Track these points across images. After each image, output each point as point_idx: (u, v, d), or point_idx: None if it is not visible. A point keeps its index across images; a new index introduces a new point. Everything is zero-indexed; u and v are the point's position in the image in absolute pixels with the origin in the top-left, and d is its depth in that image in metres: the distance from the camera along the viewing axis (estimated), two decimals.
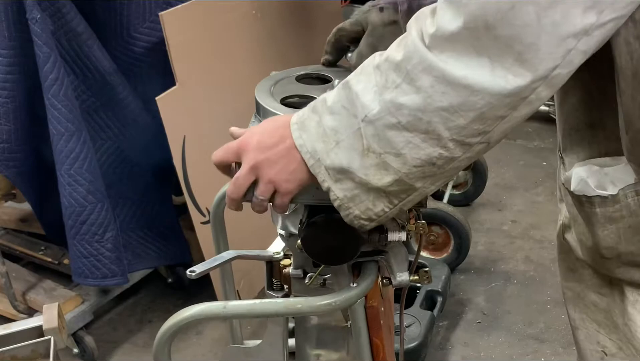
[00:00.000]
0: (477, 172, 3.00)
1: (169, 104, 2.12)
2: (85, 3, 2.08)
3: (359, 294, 1.04)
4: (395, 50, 0.86)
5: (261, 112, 1.14)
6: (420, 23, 0.83)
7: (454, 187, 3.01)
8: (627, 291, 1.01)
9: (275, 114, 1.09)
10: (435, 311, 2.24)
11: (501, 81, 0.79)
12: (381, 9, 1.17)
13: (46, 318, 1.53)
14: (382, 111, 0.85)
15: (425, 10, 0.84)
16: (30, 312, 2.31)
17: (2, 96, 2.03)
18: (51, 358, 1.47)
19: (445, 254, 2.62)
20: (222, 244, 1.40)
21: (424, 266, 1.11)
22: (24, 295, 2.35)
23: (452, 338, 2.39)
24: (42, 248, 2.57)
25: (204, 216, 2.25)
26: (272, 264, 1.21)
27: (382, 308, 1.16)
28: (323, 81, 1.22)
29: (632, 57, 0.86)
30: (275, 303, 1.06)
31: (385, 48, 1.03)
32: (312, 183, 0.95)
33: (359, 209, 0.92)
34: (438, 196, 2.85)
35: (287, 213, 1.05)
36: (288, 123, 0.94)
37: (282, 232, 1.16)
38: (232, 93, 2.26)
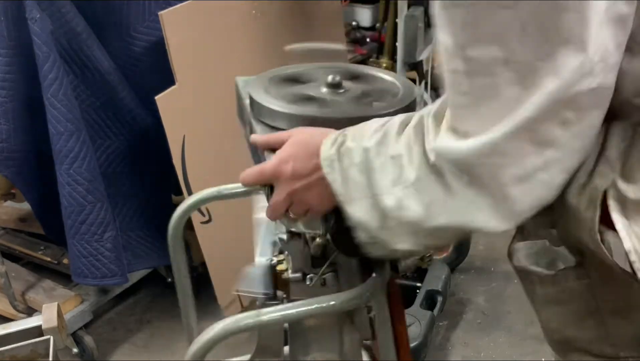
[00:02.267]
0: None
1: (168, 104, 2.11)
2: (85, 3, 2.07)
3: (382, 281, 1.07)
4: (407, 155, 0.86)
5: (255, 108, 1.14)
6: (420, 139, 0.84)
7: None
8: None
9: (268, 109, 1.10)
10: (435, 311, 2.24)
11: (496, 225, 0.80)
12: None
13: (45, 317, 1.53)
14: (395, 204, 0.87)
15: (422, 123, 0.85)
16: (30, 312, 2.31)
17: (2, 96, 2.03)
18: (50, 358, 1.47)
19: (445, 254, 2.62)
20: (180, 262, 1.40)
21: None
22: (23, 295, 2.35)
23: (452, 338, 2.39)
24: (42, 247, 2.57)
25: (204, 216, 2.25)
26: (275, 276, 1.21)
27: None
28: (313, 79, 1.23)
29: None
30: (308, 303, 1.06)
31: None
32: None
33: (378, 252, 0.95)
34: None
35: None
36: (319, 151, 0.95)
37: (283, 236, 1.16)
38: (232, 93, 2.25)
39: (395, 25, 2.49)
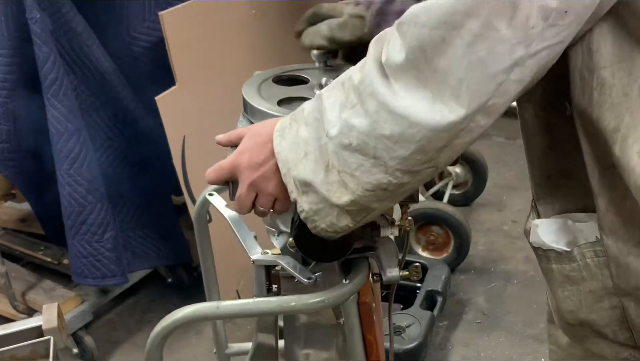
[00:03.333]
0: (477, 172, 3.00)
1: (168, 104, 2.11)
2: (85, 3, 2.07)
3: (351, 291, 1.05)
4: (357, 70, 0.85)
5: (249, 110, 1.14)
6: (378, 47, 0.83)
7: (454, 187, 3.01)
8: None
9: (263, 112, 1.10)
10: (435, 311, 2.24)
11: (437, 115, 0.78)
12: (357, 3, 1.18)
13: (46, 318, 1.52)
14: (339, 130, 0.85)
15: (383, 35, 0.84)
16: (30, 312, 2.31)
17: (2, 96, 2.03)
18: (51, 358, 1.46)
19: (445, 254, 2.62)
20: (205, 247, 1.41)
21: (407, 264, 1.11)
22: (23, 295, 2.35)
23: (452, 338, 2.39)
24: (42, 248, 2.57)
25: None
26: (268, 270, 1.21)
27: (374, 305, 1.16)
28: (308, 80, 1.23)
29: (583, 94, 0.83)
30: (269, 301, 1.07)
31: (342, 38, 1.10)
32: None
33: (324, 222, 0.92)
34: (438, 196, 2.85)
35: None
36: (270, 136, 0.95)
37: (273, 230, 1.16)
38: (232, 93, 2.25)
39: None
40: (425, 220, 2.61)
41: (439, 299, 2.29)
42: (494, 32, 0.74)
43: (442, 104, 0.77)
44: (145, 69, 2.24)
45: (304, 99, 1.14)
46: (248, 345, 1.62)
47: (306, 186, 0.90)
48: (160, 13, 2.06)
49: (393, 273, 1.09)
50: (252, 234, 1.21)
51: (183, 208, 2.31)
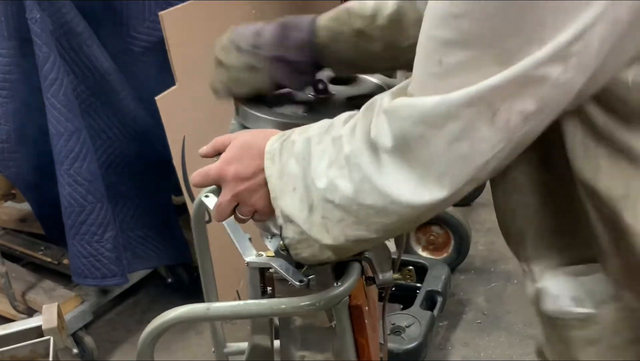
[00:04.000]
0: None
1: (168, 104, 2.11)
2: (85, 3, 2.07)
3: (342, 294, 1.05)
4: (348, 133, 0.87)
5: (240, 113, 1.14)
6: (368, 118, 0.84)
7: None
8: None
9: (254, 115, 1.10)
10: (435, 311, 2.24)
11: (418, 196, 0.80)
12: (239, 49, 1.15)
13: (46, 318, 1.53)
14: (326, 185, 0.87)
15: (373, 103, 0.85)
16: (30, 312, 2.31)
17: (2, 96, 2.03)
18: (51, 358, 1.47)
19: (445, 254, 2.62)
20: (203, 248, 1.41)
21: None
22: (23, 295, 2.35)
23: (452, 338, 2.39)
24: (42, 248, 2.57)
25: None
26: (262, 272, 1.21)
27: (367, 308, 1.16)
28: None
29: (588, 162, 0.82)
30: (259, 303, 1.07)
31: (240, 92, 1.13)
32: None
33: (306, 253, 0.94)
34: None
35: None
36: (262, 152, 0.95)
37: (266, 233, 1.16)
38: None
39: None
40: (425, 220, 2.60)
41: (439, 299, 2.29)
42: (475, 133, 0.76)
43: (424, 188, 0.80)
44: (145, 69, 2.24)
45: (299, 102, 1.15)
46: (246, 345, 1.63)
47: (288, 218, 0.92)
48: (160, 13, 2.06)
49: (386, 276, 1.11)
50: (247, 236, 1.21)
51: (183, 208, 2.31)
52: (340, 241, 0.89)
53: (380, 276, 1.10)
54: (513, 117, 0.74)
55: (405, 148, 0.79)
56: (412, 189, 0.80)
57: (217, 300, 1.51)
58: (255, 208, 0.97)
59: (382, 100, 0.84)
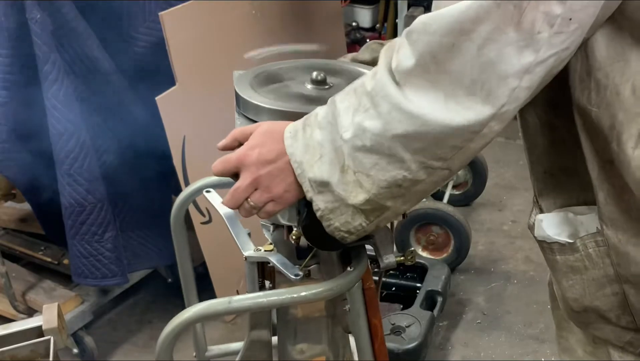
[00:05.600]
0: (477, 172, 3.00)
1: (169, 104, 2.12)
2: (86, 3, 2.07)
3: (356, 277, 1.09)
4: (370, 77, 0.89)
5: (241, 103, 1.14)
6: (389, 54, 0.87)
7: (454, 187, 3.01)
8: (611, 352, 1.01)
9: (254, 105, 1.11)
10: (435, 311, 2.24)
11: (453, 114, 0.82)
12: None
13: (46, 318, 1.53)
14: (353, 133, 0.89)
15: (393, 44, 0.88)
16: (30, 312, 2.31)
17: (2, 96, 2.03)
18: (51, 358, 1.47)
19: (445, 254, 2.62)
20: (182, 251, 1.41)
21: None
22: (23, 295, 2.35)
23: (452, 338, 2.39)
24: (42, 248, 2.57)
25: (204, 216, 2.25)
26: (262, 266, 1.22)
27: None
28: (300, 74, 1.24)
29: (582, 94, 0.88)
30: (280, 293, 1.08)
31: (362, 58, 1.19)
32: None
33: (338, 221, 0.95)
34: (438, 196, 2.86)
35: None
36: (284, 137, 0.97)
37: (268, 225, 1.17)
38: (232, 93, 2.25)
39: (395, 25, 2.50)
40: (425, 220, 2.61)
41: (439, 299, 2.29)
42: (502, 36, 0.78)
43: (456, 103, 0.82)
44: (145, 69, 2.24)
45: (298, 94, 1.15)
46: (228, 346, 1.63)
47: (322, 186, 0.93)
48: (161, 13, 2.07)
49: (389, 259, 1.13)
50: (246, 231, 1.22)
51: None
52: (373, 192, 0.90)
53: (384, 260, 1.13)
54: (539, 17, 0.77)
55: (430, 64, 0.81)
56: (442, 105, 0.82)
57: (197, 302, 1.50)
58: (272, 195, 0.98)
59: (400, 37, 0.86)
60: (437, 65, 0.81)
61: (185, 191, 1.41)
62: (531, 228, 1.03)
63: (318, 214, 0.95)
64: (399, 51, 0.84)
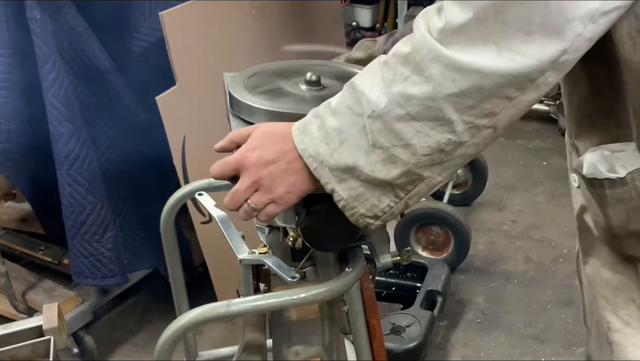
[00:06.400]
0: (477, 172, 3.00)
1: (169, 104, 2.12)
2: (86, 3, 2.08)
3: (355, 278, 1.09)
4: (403, 45, 0.89)
5: (234, 105, 1.14)
6: (427, 19, 0.88)
7: (454, 187, 3.01)
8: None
9: (248, 106, 1.11)
10: (435, 311, 2.24)
11: (509, 62, 0.83)
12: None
13: (46, 318, 1.53)
14: (390, 104, 0.88)
15: (430, 9, 0.89)
16: (30, 312, 2.31)
17: (2, 96, 2.03)
18: (51, 358, 1.47)
19: (445, 254, 2.62)
20: (172, 256, 1.41)
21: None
22: (23, 295, 2.35)
23: (452, 338, 2.39)
24: (42, 248, 2.57)
25: (204, 216, 2.25)
26: (257, 268, 1.22)
27: None
28: (294, 74, 1.24)
29: (635, 50, 0.90)
30: (279, 295, 1.08)
31: (356, 56, 1.21)
32: (313, 191, 0.98)
33: (364, 207, 0.95)
34: (438, 196, 2.86)
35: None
36: (286, 135, 0.97)
37: (263, 228, 1.17)
38: None
39: (395, 25, 2.49)
40: (425, 220, 2.61)
41: (439, 299, 2.29)
42: None
43: (511, 52, 0.83)
44: (145, 69, 2.24)
45: (291, 94, 1.15)
46: (218, 351, 1.63)
47: (346, 173, 0.93)
48: (161, 13, 2.06)
49: (386, 259, 1.14)
50: (240, 234, 1.22)
51: (183, 208, 2.31)
52: (413, 162, 0.90)
53: (381, 260, 1.14)
54: None
55: (489, 16, 0.82)
56: (496, 56, 0.83)
57: (188, 308, 1.50)
58: (273, 196, 0.98)
59: (432, 7, 0.88)
60: (496, 16, 0.82)
61: (174, 196, 1.41)
62: (579, 167, 1.06)
63: (340, 204, 0.95)
64: (446, 12, 0.85)
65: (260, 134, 1.00)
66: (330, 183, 0.94)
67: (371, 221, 0.96)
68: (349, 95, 0.93)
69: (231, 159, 1.00)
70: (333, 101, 0.95)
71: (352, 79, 0.94)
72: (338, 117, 0.93)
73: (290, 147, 0.96)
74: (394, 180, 0.92)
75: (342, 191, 0.94)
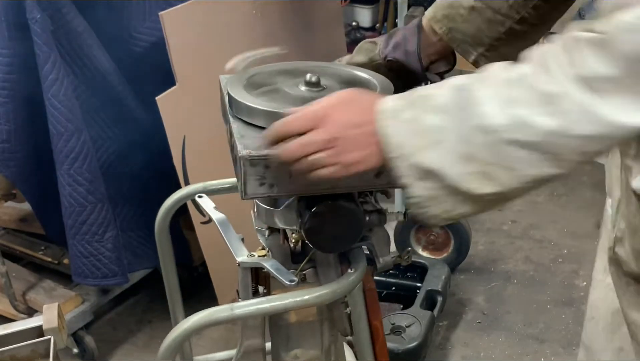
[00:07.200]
0: None
1: (169, 104, 2.12)
2: (86, 3, 2.08)
3: (357, 279, 1.09)
4: (536, 70, 0.85)
5: (233, 105, 1.14)
6: (570, 55, 0.83)
7: None
8: None
9: (246, 106, 1.09)
10: (435, 311, 2.24)
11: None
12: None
13: (46, 318, 1.53)
14: (507, 125, 0.84)
15: (572, 41, 0.84)
16: (30, 312, 2.31)
17: (2, 96, 2.03)
18: (51, 358, 1.47)
19: (445, 254, 2.62)
20: (167, 260, 1.41)
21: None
22: (24, 295, 2.35)
23: (452, 338, 2.39)
24: (42, 248, 2.57)
25: (204, 216, 2.25)
26: (256, 271, 1.21)
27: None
28: (292, 75, 1.23)
29: None
30: (282, 297, 1.08)
31: (357, 60, 1.18)
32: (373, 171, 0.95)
33: (437, 209, 0.91)
34: None
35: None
36: (372, 107, 0.92)
37: (264, 230, 1.17)
38: None
39: (395, 25, 2.49)
40: None
41: (439, 299, 2.29)
42: None
43: None
44: (145, 69, 2.24)
45: (291, 95, 1.15)
46: (215, 356, 1.63)
47: (429, 174, 0.88)
48: (161, 13, 2.07)
49: (386, 259, 1.14)
50: (239, 236, 1.22)
51: (183, 208, 2.31)
52: (512, 186, 0.87)
53: (382, 260, 1.14)
54: None
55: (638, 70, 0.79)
56: (634, 108, 0.80)
57: (183, 314, 1.50)
58: (341, 160, 0.92)
59: (581, 34, 0.83)
60: None
61: (169, 201, 1.41)
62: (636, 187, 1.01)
63: (413, 200, 0.90)
64: (589, 60, 0.81)
65: (344, 97, 0.95)
66: (407, 177, 0.90)
67: (438, 221, 0.92)
68: (459, 97, 0.88)
69: (314, 110, 0.94)
70: (439, 97, 0.89)
71: (465, 82, 0.89)
72: (443, 116, 0.87)
73: (372, 119, 0.91)
74: (484, 196, 0.88)
75: (420, 189, 0.89)
